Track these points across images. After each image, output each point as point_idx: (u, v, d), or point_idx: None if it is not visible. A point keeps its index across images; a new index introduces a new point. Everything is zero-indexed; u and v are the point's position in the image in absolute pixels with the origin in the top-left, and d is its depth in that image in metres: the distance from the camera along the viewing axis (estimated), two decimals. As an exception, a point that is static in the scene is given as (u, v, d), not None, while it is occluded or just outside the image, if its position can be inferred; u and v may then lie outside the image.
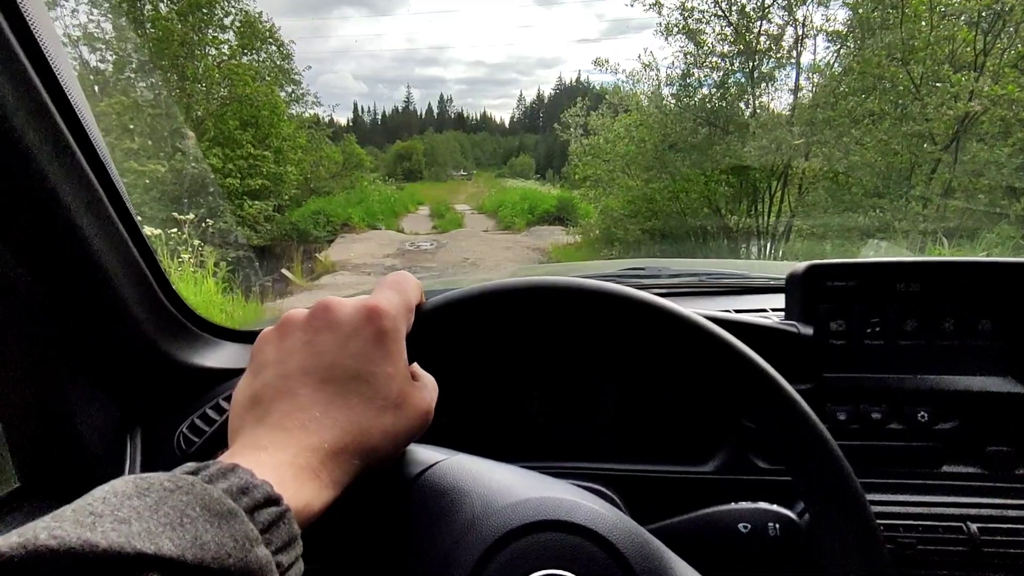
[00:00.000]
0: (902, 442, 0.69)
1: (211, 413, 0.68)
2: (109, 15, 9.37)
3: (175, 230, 5.44)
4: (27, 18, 0.42)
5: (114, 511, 0.23)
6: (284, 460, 0.32)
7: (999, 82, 6.33)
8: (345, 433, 0.34)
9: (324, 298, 0.40)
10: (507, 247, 11.68)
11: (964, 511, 0.65)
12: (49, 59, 0.44)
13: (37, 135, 0.44)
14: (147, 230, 0.59)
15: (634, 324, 0.44)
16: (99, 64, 9.10)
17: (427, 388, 0.41)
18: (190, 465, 0.28)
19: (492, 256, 10.63)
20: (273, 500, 0.28)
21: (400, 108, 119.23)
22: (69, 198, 0.48)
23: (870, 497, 0.40)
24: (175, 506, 0.24)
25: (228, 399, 0.69)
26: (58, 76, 0.45)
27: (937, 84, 6.78)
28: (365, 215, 14.26)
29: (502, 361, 0.78)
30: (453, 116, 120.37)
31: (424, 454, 0.44)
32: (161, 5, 10.18)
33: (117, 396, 0.65)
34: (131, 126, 8.27)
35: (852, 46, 8.24)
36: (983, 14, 6.68)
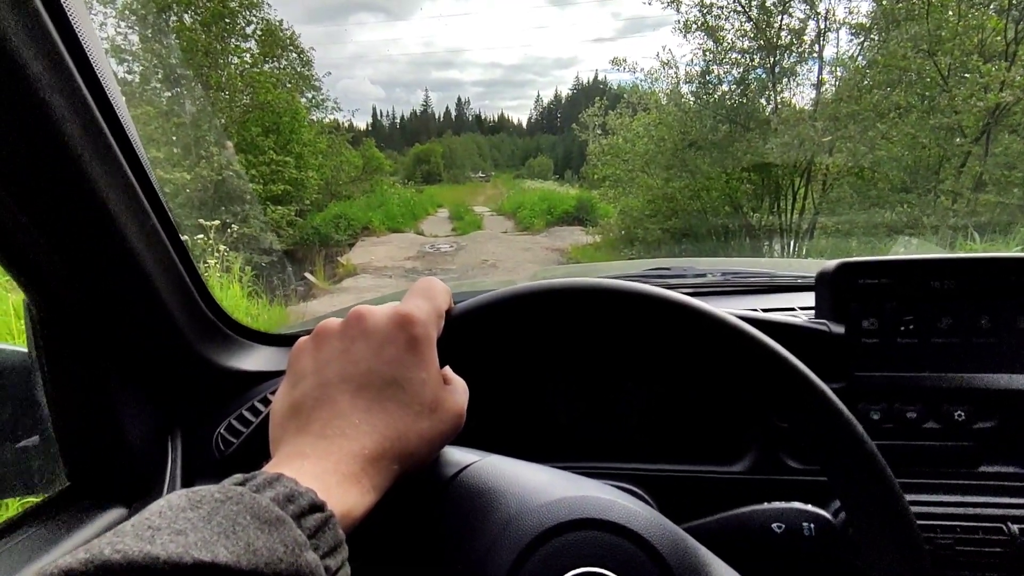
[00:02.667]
0: (939, 441, 0.67)
1: (247, 415, 0.69)
2: (136, 27, 9.60)
3: (201, 236, 5.55)
4: (78, 33, 0.44)
5: (170, 524, 0.24)
6: (327, 468, 0.33)
7: (1032, 72, 6.14)
8: (384, 439, 0.35)
9: (357, 307, 0.41)
10: (526, 248, 11.67)
11: (1004, 511, 0.63)
12: (97, 72, 0.46)
13: (87, 148, 0.46)
14: (177, 237, 0.61)
15: (663, 324, 0.44)
16: (126, 75, 9.33)
17: (459, 391, 0.42)
18: (237, 476, 0.29)
19: (511, 257, 10.64)
20: (318, 506, 0.29)
21: (418, 111, 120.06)
22: (115, 207, 0.50)
23: (907, 497, 0.40)
24: (227, 515, 0.25)
25: (263, 401, 0.70)
26: (106, 89, 0.47)
27: (966, 75, 6.59)
28: (385, 218, 14.39)
29: (531, 362, 0.79)
30: (471, 118, 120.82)
31: (458, 455, 0.44)
32: (186, 16, 10.42)
33: (159, 399, 0.67)
34: (157, 136, 8.47)
35: (876, 38, 8.07)
36: (1014, 1, 6.49)
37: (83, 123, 0.45)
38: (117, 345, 0.60)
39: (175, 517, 0.25)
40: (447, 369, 0.44)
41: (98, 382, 0.59)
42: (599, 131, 11.89)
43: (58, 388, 0.59)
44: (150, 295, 0.57)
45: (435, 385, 0.39)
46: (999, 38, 6.67)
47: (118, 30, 9.34)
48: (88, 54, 0.44)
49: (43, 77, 0.40)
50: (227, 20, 10.81)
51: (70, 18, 0.42)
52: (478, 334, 0.46)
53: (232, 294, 5.17)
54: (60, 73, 0.42)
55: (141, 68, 9.54)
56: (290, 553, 0.26)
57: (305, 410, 0.37)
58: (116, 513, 0.59)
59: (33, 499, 0.62)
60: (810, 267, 0.86)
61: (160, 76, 9.58)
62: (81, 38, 0.43)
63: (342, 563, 0.29)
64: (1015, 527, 0.62)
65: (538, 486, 0.42)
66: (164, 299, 0.59)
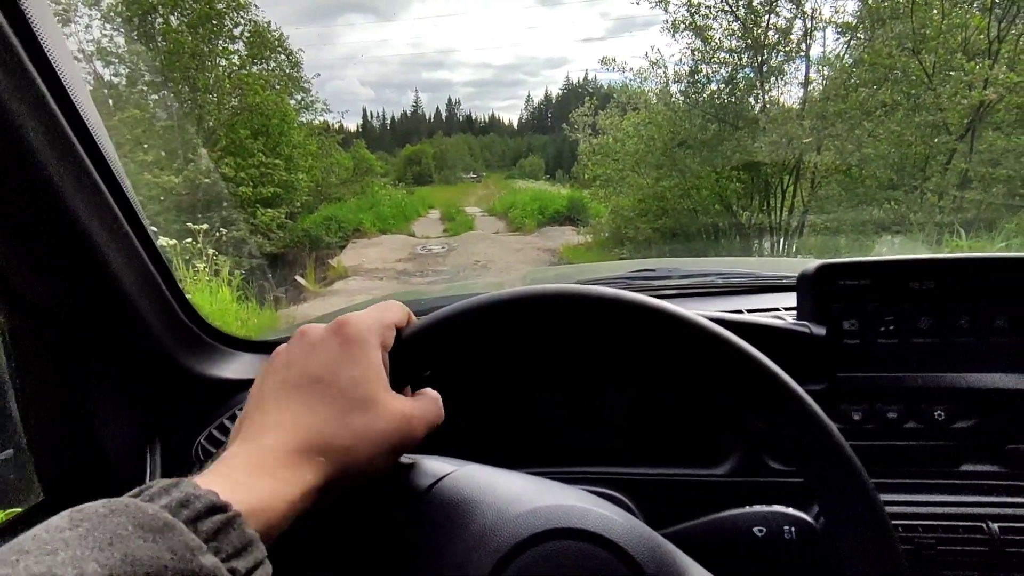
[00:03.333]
0: (919, 441, 0.68)
1: (228, 423, 0.69)
2: (121, 29, 9.51)
3: (190, 240, 5.50)
4: (40, 40, 0.43)
5: (42, 546, 0.23)
6: (236, 464, 0.34)
7: (1015, 69, 6.21)
8: (308, 432, 0.36)
9: (303, 325, 0.43)
10: (518, 249, 11.67)
11: (984, 510, 0.64)
12: (63, 79, 0.45)
13: (54, 157, 0.45)
14: (162, 241, 0.60)
15: (635, 328, 0.44)
16: (112, 78, 9.25)
17: (418, 402, 0.42)
18: (135, 490, 0.29)
19: (503, 258, 10.63)
20: (218, 507, 0.28)
21: (408, 112, 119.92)
22: (85, 216, 0.49)
23: (888, 497, 0.40)
24: (107, 529, 0.25)
25: (244, 409, 0.70)
26: (72, 97, 0.46)
27: (950, 73, 6.66)
28: (376, 220, 14.35)
29: (512, 369, 0.79)
30: (461, 119, 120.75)
31: (435, 465, 0.44)
32: (172, 18, 10.32)
33: (137, 409, 0.66)
34: (144, 139, 8.39)
35: (862, 37, 8.15)
36: (997, 0, 6.57)
37: (45, 129, 0.44)
38: (92, 355, 0.59)
39: (50, 538, 0.24)
40: (426, 390, 0.44)
41: (73, 393, 0.58)
42: (589, 131, 11.90)
43: (31, 399, 0.58)
44: (124, 304, 0.56)
45: (371, 384, 0.39)
46: (982, 36, 6.74)
47: (104, 32, 9.25)
48: (52, 60, 0.44)
49: (1, 83, 0.40)
50: (214, 22, 10.71)
51: (31, 24, 0.41)
52: (437, 350, 0.45)
53: (221, 298, 5.12)
54: (20, 78, 0.41)
55: (127, 71, 9.45)
56: (179, 559, 0.25)
57: (245, 421, 0.39)
58: (92, 526, 0.58)
59: (15, 511, 0.61)
60: (796, 267, 0.86)
61: (147, 79, 9.49)
62: (43, 43, 0.43)
63: (256, 563, 0.29)
64: (995, 526, 0.62)
65: (514, 496, 0.41)
66: (139, 307, 0.58)
